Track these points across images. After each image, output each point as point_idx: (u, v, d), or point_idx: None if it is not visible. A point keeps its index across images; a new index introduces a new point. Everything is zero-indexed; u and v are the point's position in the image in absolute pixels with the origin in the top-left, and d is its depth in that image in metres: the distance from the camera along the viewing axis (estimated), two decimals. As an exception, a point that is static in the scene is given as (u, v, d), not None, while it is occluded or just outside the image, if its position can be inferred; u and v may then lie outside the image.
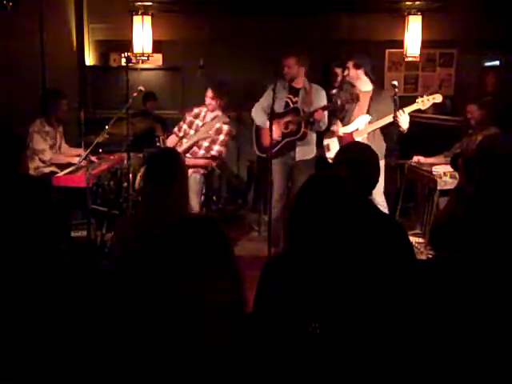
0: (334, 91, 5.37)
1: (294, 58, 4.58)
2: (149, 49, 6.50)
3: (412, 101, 4.49)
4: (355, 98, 4.48)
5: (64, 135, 5.12)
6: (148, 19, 6.49)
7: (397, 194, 5.18)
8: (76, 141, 5.40)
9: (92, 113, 6.56)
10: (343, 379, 1.62)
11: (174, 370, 1.31)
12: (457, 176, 4.28)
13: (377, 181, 2.48)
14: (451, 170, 4.49)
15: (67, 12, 6.59)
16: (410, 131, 4.45)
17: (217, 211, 5.86)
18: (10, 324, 1.61)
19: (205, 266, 1.35)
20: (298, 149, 4.68)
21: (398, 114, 4.25)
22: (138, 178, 4.77)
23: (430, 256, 4.34)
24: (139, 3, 6.45)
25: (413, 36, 6.53)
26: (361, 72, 4.50)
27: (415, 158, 5.08)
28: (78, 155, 4.92)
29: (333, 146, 4.66)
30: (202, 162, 4.86)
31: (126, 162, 4.87)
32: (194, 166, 4.77)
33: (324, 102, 4.69)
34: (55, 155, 4.84)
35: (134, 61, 6.17)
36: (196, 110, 5.01)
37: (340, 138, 4.60)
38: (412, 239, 4.73)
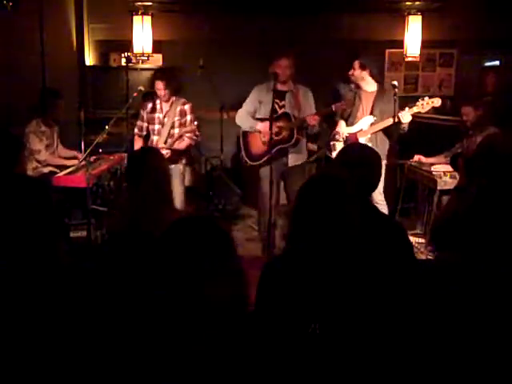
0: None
1: (289, 58, 4.47)
2: (149, 49, 6.50)
3: (412, 101, 4.50)
4: (350, 105, 4.48)
5: (63, 135, 5.11)
6: (148, 19, 6.49)
7: (397, 194, 5.17)
8: (76, 141, 5.41)
9: (92, 113, 6.54)
10: (343, 379, 1.61)
11: (175, 369, 1.31)
12: (457, 176, 4.31)
13: (378, 182, 2.47)
14: (451, 169, 4.50)
15: (67, 12, 6.59)
16: (410, 131, 4.46)
17: (217, 211, 5.87)
18: (10, 324, 1.61)
19: (207, 265, 1.35)
20: (290, 155, 4.55)
21: (399, 115, 4.26)
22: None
23: (430, 256, 4.34)
24: (139, 3, 6.45)
25: (413, 36, 6.53)
26: (366, 73, 4.50)
27: (416, 157, 5.08)
28: (73, 157, 4.93)
29: (338, 146, 4.64)
30: (183, 145, 4.80)
31: (125, 161, 4.87)
32: (177, 156, 4.75)
33: (312, 102, 4.59)
34: (50, 157, 4.82)
35: (134, 61, 6.16)
36: (150, 105, 4.89)
37: (345, 139, 4.61)
38: (412, 239, 4.73)
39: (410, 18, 6.51)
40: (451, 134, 5.36)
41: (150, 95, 6.29)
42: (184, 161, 4.92)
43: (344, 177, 1.83)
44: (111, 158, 5.16)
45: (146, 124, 4.90)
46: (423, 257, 4.44)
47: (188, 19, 6.78)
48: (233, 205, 6.26)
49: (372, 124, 4.48)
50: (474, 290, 1.60)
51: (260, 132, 4.56)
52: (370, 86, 4.54)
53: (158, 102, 4.87)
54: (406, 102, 4.59)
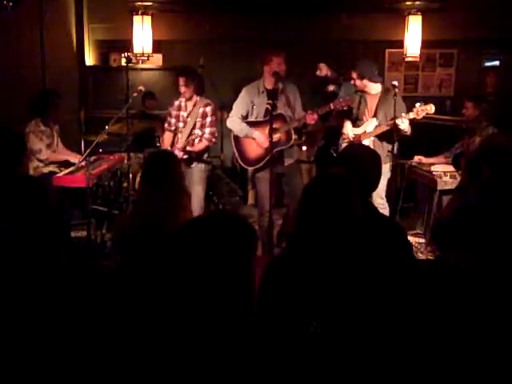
0: (333, 88, 5.36)
1: (282, 53, 4.42)
2: (149, 49, 6.51)
3: (412, 101, 4.50)
4: (350, 103, 4.49)
5: (63, 135, 5.11)
6: (148, 19, 6.49)
7: (397, 194, 5.17)
8: (76, 141, 5.41)
9: (92, 113, 6.55)
10: (344, 378, 1.62)
11: (176, 369, 1.31)
12: (457, 176, 4.33)
13: (377, 182, 2.47)
14: (451, 169, 4.52)
15: (67, 12, 6.59)
16: (411, 132, 4.47)
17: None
18: (10, 324, 1.61)
19: (235, 261, 1.35)
20: (285, 154, 4.53)
21: (397, 121, 4.27)
22: (138, 178, 4.76)
23: (430, 256, 4.35)
24: (139, 3, 6.46)
25: (413, 36, 6.53)
26: (366, 81, 4.53)
27: (416, 158, 5.08)
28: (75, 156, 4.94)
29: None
30: (202, 146, 4.80)
31: (125, 161, 4.87)
32: (197, 156, 4.75)
33: (299, 97, 4.54)
34: (52, 154, 4.83)
35: (134, 61, 6.16)
36: (176, 103, 4.90)
37: (351, 140, 4.62)
38: (412, 239, 4.74)
39: (410, 17, 6.51)
40: (451, 134, 5.36)
41: (149, 94, 6.32)
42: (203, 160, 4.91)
43: (348, 176, 1.83)
44: (111, 157, 5.16)
45: (174, 120, 4.91)
46: (423, 257, 4.44)
47: (188, 19, 6.78)
48: (233, 205, 6.27)
49: (376, 126, 4.52)
50: (475, 290, 1.60)
51: (254, 139, 4.47)
52: (373, 89, 4.58)
53: (183, 100, 4.87)
54: (406, 102, 4.60)
